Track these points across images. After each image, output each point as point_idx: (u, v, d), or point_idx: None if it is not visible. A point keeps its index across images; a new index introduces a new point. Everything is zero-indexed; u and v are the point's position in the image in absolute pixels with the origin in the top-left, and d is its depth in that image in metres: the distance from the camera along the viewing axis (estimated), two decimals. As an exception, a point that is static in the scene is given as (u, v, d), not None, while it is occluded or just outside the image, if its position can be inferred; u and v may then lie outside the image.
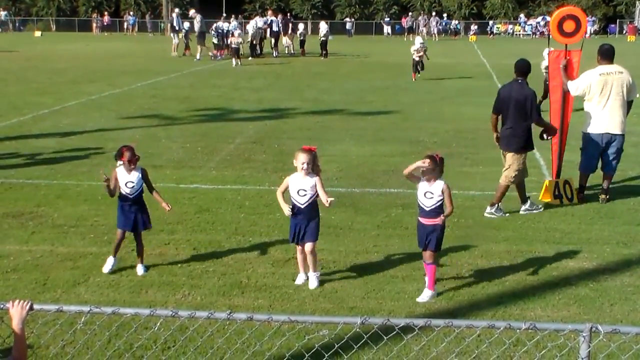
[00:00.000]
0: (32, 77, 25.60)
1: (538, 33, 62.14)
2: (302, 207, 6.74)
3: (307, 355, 4.34)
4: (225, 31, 34.50)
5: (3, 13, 68.54)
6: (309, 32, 48.56)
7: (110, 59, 33.73)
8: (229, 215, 9.21)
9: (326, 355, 4.76)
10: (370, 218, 9.01)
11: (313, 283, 6.90)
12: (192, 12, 39.40)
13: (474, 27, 63.83)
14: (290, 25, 39.22)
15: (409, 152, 13.02)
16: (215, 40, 34.41)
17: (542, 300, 6.65)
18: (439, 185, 6.57)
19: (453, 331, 5.51)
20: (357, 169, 11.77)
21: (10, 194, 10.18)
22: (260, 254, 7.82)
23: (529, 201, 9.48)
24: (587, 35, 61.45)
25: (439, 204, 6.58)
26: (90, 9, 74.95)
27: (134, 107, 18.59)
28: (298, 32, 38.98)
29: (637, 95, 9.91)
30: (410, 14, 63.82)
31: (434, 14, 64.04)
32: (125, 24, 67.29)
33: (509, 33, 68.55)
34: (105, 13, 70.40)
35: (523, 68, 9.41)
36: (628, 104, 9.83)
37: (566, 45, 9.95)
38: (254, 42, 36.42)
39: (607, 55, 9.86)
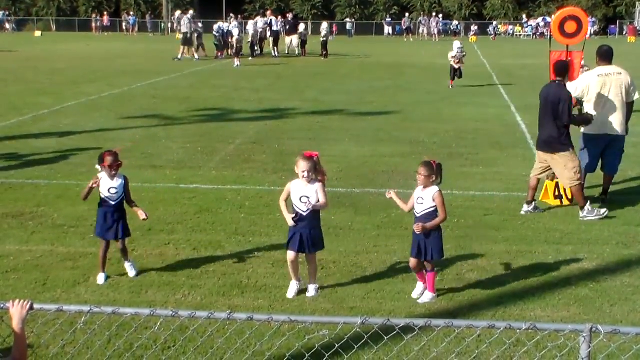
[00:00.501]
0: (32, 77, 25.60)
1: (538, 34, 62.16)
2: (305, 214, 6.54)
3: (307, 356, 4.34)
4: (225, 32, 34.50)
5: (0, 13, 68.53)
6: (310, 33, 48.50)
7: (110, 59, 33.74)
8: (229, 216, 9.21)
9: (326, 355, 4.76)
10: (371, 218, 9.01)
11: (311, 293, 6.72)
12: (177, 13, 39.18)
13: (474, 28, 63.85)
14: (298, 25, 39.07)
15: (409, 153, 13.03)
16: (216, 42, 34.31)
17: (542, 301, 6.65)
18: (431, 192, 6.45)
19: (453, 331, 5.51)
20: (357, 169, 11.77)
21: (11, 194, 10.18)
22: (260, 254, 7.82)
23: (586, 208, 9.17)
24: (588, 36, 61.54)
25: (430, 210, 6.46)
26: (91, 9, 74.97)
27: (134, 107, 18.60)
28: (299, 33, 38.99)
29: (637, 97, 9.90)
30: (407, 14, 63.77)
31: (434, 14, 64.05)
32: (125, 23, 67.30)
33: (509, 34, 68.57)
34: (105, 13, 70.40)
35: (561, 69, 9.36)
36: (629, 106, 9.82)
37: (567, 46, 9.95)
38: (254, 42, 36.42)
39: (606, 56, 9.87)
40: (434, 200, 6.44)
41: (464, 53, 23.50)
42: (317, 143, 13.88)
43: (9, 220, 8.96)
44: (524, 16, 68.36)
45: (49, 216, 9.12)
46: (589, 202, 9.18)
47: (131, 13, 70.11)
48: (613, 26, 69.67)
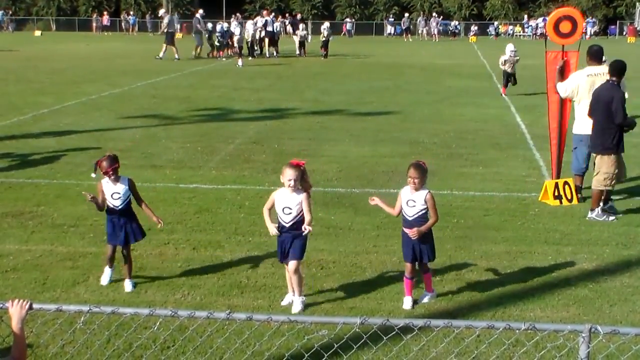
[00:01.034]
0: (32, 77, 25.60)
1: (538, 34, 62.17)
2: (287, 225, 6.26)
3: (306, 355, 4.34)
4: (226, 31, 34.47)
5: (0, 12, 68.52)
6: (309, 33, 48.53)
7: (110, 58, 33.73)
8: (229, 216, 9.22)
9: (325, 355, 4.76)
10: (370, 218, 9.01)
11: (297, 307, 6.41)
12: (161, 11, 38.97)
13: (474, 28, 63.85)
14: (301, 25, 38.88)
15: (409, 153, 13.02)
16: (217, 42, 34.23)
17: (542, 301, 6.65)
18: (422, 194, 6.34)
19: (452, 331, 5.51)
20: (357, 169, 11.77)
21: (10, 193, 10.18)
22: (260, 254, 7.82)
23: (596, 210, 9.18)
24: (588, 37, 61.50)
25: (422, 213, 6.35)
26: (91, 9, 74.97)
27: (134, 107, 18.60)
28: (299, 33, 38.97)
29: (626, 96, 9.90)
30: (407, 14, 63.76)
31: (434, 14, 64.03)
32: (124, 23, 67.30)
33: (509, 34, 68.57)
34: (105, 13, 70.40)
35: (617, 69, 9.32)
36: None
37: (563, 46, 9.96)
38: (254, 42, 36.38)
39: (595, 56, 9.89)
40: (425, 203, 6.33)
41: (518, 57, 21.06)
42: (317, 143, 13.89)
43: (9, 219, 8.97)
44: (525, 17, 68.29)
45: (49, 216, 9.12)
46: (601, 205, 9.16)
47: (131, 13, 70.10)
48: (613, 26, 69.68)
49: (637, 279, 7.23)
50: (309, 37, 39.13)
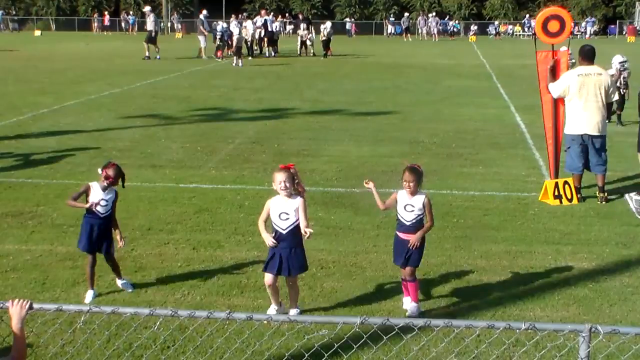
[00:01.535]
0: (31, 77, 25.60)
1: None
2: (284, 232, 5.96)
3: (306, 355, 4.34)
4: (225, 31, 34.45)
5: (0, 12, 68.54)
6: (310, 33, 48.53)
7: (109, 58, 33.72)
8: (229, 215, 9.21)
9: (326, 355, 4.76)
10: (370, 218, 9.01)
11: (293, 311, 6.24)
12: (147, 8, 38.70)
13: (473, 28, 63.86)
14: (311, 26, 38.63)
15: (409, 153, 13.03)
16: (217, 42, 34.16)
17: (542, 301, 6.66)
18: (420, 198, 6.21)
19: (452, 331, 5.51)
20: (356, 169, 11.77)
21: (10, 193, 10.18)
22: (260, 254, 7.80)
23: None
24: (587, 36, 61.55)
25: (419, 217, 6.23)
26: (90, 9, 74.98)
27: (133, 107, 18.59)
28: (299, 32, 38.97)
29: (617, 97, 9.93)
30: (406, 14, 63.76)
31: (433, 14, 64.03)
32: (124, 23, 67.34)
33: (508, 34, 68.59)
34: (106, 13, 70.43)
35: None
36: (609, 106, 9.86)
37: (552, 45, 9.98)
38: (253, 41, 36.38)
39: (587, 56, 9.91)
40: (423, 207, 6.21)
41: (628, 70, 16.33)
42: (317, 143, 13.89)
43: (9, 219, 8.96)
44: (527, 16, 68.24)
45: (49, 215, 9.12)
46: None
47: (130, 13, 70.12)
48: (613, 26, 69.70)
49: (637, 278, 7.23)
50: (311, 36, 38.88)
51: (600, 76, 9.75)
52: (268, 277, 6.08)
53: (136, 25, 66.90)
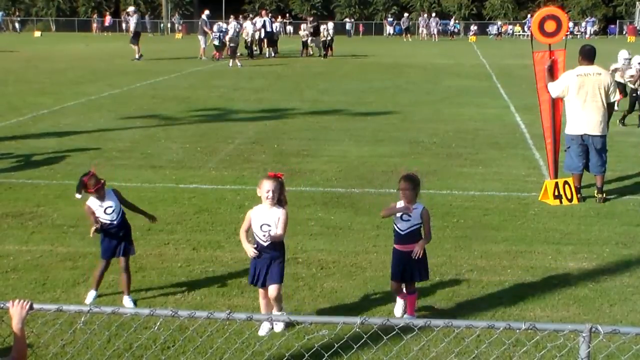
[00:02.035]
0: (31, 78, 25.60)
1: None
2: (265, 244, 5.78)
3: (306, 355, 4.34)
4: (224, 31, 34.42)
5: (0, 13, 68.58)
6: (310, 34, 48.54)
7: (109, 59, 33.72)
8: (229, 216, 9.21)
9: (326, 355, 4.76)
10: (370, 218, 9.01)
11: (279, 326, 5.94)
12: (130, 8, 38.66)
13: (473, 28, 63.87)
14: (320, 27, 38.50)
15: (409, 153, 13.03)
16: (216, 42, 34.16)
17: (542, 301, 6.65)
18: (417, 209, 6.00)
19: (453, 331, 5.51)
20: (356, 169, 11.77)
21: (10, 193, 10.18)
22: (260, 254, 7.80)
23: None
24: (587, 36, 61.56)
25: (415, 227, 6.02)
26: (90, 10, 75.00)
27: (133, 107, 18.60)
28: (300, 33, 38.96)
29: (617, 97, 9.91)
30: (406, 14, 63.78)
31: (433, 14, 64.05)
32: (124, 23, 67.34)
33: (508, 34, 68.58)
34: (107, 14, 70.46)
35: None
36: (609, 106, 9.85)
37: (549, 45, 9.98)
38: (253, 42, 36.37)
39: (587, 56, 9.89)
40: (421, 218, 6.00)
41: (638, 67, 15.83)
42: (317, 143, 13.89)
43: (9, 220, 8.97)
44: (529, 16, 68.21)
45: (49, 216, 9.13)
46: None
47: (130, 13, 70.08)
48: (613, 26, 69.70)
49: (637, 278, 7.23)
50: (317, 39, 38.70)
51: (599, 76, 9.74)
52: (260, 292, 5.96)
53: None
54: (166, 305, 6.47)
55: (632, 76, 16.04)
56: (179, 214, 9.23)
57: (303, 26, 40.12)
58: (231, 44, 31.81)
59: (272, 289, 5.82)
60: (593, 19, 67.29)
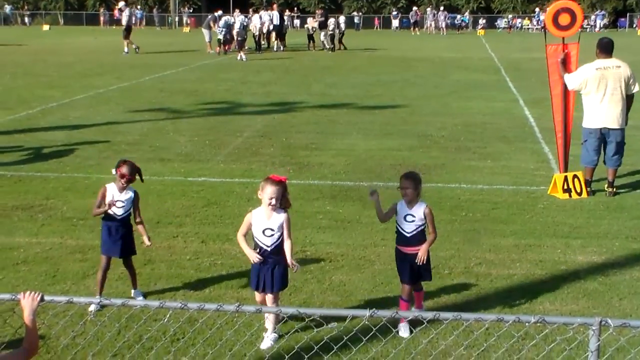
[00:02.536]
0: (40, 71, 25.67)
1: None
2: (269, 249, 5.52)
3: (315, 348, 4.35)
4: (232, 25, 34.39)
5: (8, 7, 68.74)
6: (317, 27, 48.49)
7: (117, 52, 33.75)
8: (237, 209, 9.23)
9: (335, 348, 4.78)
10: (378, 212, 9.00)
11: (267, 343, 5.60)
12: (121, 4, 38.65)
13: (482, 21, 63.64)
14: (328, 20, 38.48)
15: (417, 147, 13.01)
16: (220, 37, 34.15)
17: (551, 294, 6.64)
18: (421, 208, 5.77)
19: (462, 324, 5.52)
20: (364, 162, 11.77)
21: (20, 186, 10.23)
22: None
23: None
24: (597, 29, 61.22)
25: (420, 229, 5.80)
26: (98, 3, 75.09)
27: (141, 100, 18.63)
28: (306, 27, 38.90)
29: (637, 89, 9.85)
30: (415, 8, 63.59)
31: (442, 8, 63.83)
32: (133, 18, 67.44)
33: (517, 27, 68.28)
34: (116, 7, 70.53)
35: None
36: (629, 98, 9.80)
37: (563, 38, 9.93)
38: (261, 35, 36.33)
39: (605, 49, 9.83)
40: (424, 217, 5.78)
41: None
42: (325, 136, 13.89)
43: (19, 212, 9.01)
44: (537, 9, 67.88)
45: (58, 209, 9.16)
46: None
47: (138, 7, 70.18)
48: (623, 19, 69.32)
49: (647, 272, 7.21)
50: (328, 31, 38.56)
51: (619, 69, 9.67)
52: (257, 296, 5.77)
53: (144, 20, 66.97)
54: (175, 298, 6.50)
55: None
56: (188, 207, 9.25)
57: (309, 19, 40.02)
58: (238, 38, 31.79)
59: (272, 296, 5.65)
60: (603, 12, 66.93)
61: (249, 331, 5.59)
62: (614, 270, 7.23)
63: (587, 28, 59.98)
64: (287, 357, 4.69)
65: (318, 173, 11.03)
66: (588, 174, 9.93)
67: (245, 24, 33.18)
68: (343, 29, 37.89)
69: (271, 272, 5.57)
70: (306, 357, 4.35)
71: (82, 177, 10.64)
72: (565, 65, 9.88)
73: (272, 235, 5.52)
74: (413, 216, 5.77)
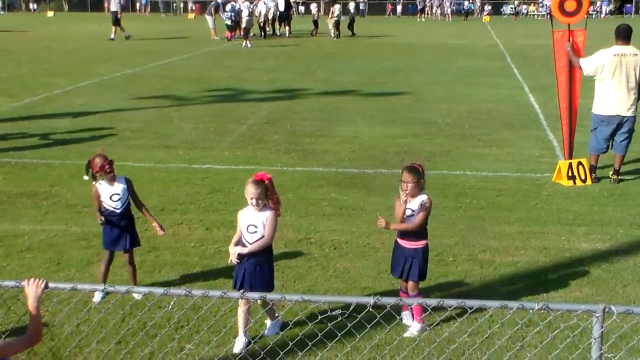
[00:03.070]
0: (44, 58, 25.65)
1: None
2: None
3: (319, 335, 4.36)
4: (237, 11, 34.23)
5: None
6: (322, 13, 48.32)
7: (122, 39, 33.70)
8: (242, 196, 9.14)
9: (339, 335, 4.79)
10: (383, 199, 8.99)
11: (272, 330, 5.62)
12: None
13: (487, 8, 63.26)
14: (332, 6, 38.22)
15: (422, 134, 12.98)
16: (228, 22, 33.98)
17: (555, 281, 6.64)
18: (419, 200, 5.53)
19: (466, 311, 5.52)
20: (369, 149, 11.74)
21: (24, 173, 10.24)
22: (273, 234, 7.82)
23: None
24: (603, 15, 60.82)
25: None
26: (103, -11, 74.80)
27: (146, 87, 18.61)
28: (312, 13, 38.72)
29: None
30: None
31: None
32: (138, 4, 67.30)
33: (523, 13, 67.89)
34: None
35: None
36: None
37: (569, 25, 9.87)
38: (266, 22, 36.18)
39: (623, 35, 9.75)
40: (421, 206, 5.50)
41: None
42: (329, 123, 13.87)
43: (23, 199, 9.03)
44: None
45: (63, 196, 9.18)
46: None
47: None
48: (629, 5, 68.78)
49: (651, 259, 7.20)
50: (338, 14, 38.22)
51: (636, 57, 9.58)
52: (241, 301, 5.34)
53: (149, 6, 66.78)
54: (180, 285, 6.51)
55: None
56: (192, 194, 9.26)
57: (313, 5, 39.79)
58: (247, 26, 31.67)
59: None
60: (609, -2, 66.42)
61: (253, 318, 5.61)
62: (618, 257, 7.22)
63: (592, 14, 59.59)
64: (291, 344, 4.71)
65: (322, 160, 11.02)
66: (593, 159, 9.91)
67: (250, 10, 33.01)
68: (353, 16, 37.65)
69: (252, 271, 5.36)
70: (310, 344, 4.36)
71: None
72: (574, 50, 9.83)
73: (255, 232, 5.39)
74: (413, 210, 5.54)
